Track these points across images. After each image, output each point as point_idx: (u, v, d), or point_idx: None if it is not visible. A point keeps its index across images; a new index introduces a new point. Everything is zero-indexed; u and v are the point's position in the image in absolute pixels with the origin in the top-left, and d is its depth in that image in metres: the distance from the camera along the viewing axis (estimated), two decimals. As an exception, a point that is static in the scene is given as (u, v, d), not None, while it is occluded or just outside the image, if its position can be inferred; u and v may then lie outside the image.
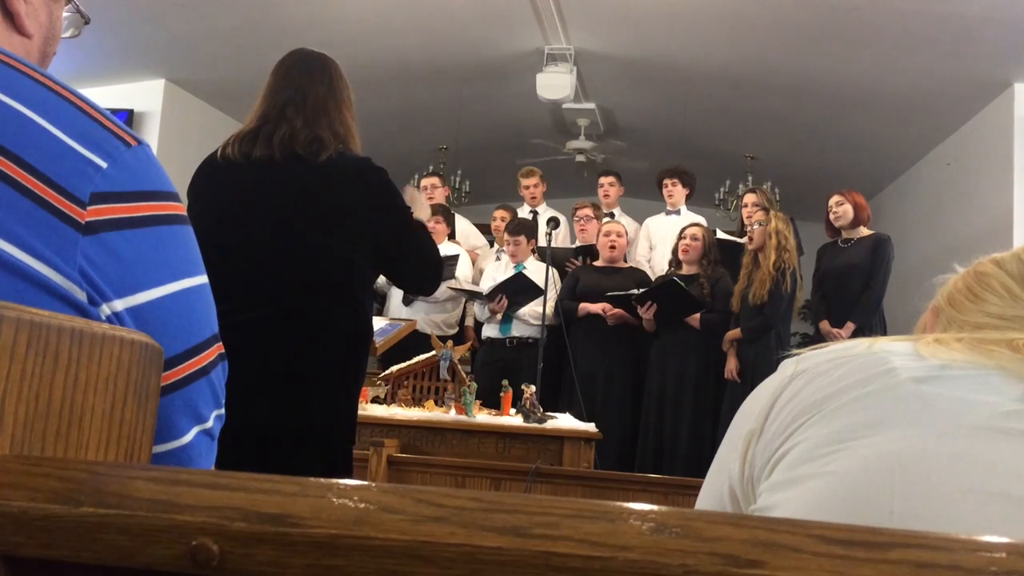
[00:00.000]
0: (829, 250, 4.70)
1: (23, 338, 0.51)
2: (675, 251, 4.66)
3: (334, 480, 0.43)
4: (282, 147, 1.80)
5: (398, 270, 1.99)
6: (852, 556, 0.37)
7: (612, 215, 5.41)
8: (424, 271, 1.99)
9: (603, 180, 5.64)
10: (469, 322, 5.16)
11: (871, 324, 4.37)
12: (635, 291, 4.45)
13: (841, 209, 4.51)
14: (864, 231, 4.57)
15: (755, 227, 4.28)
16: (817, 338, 4.58)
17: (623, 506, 0.41)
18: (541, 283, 4.40)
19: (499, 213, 5.63)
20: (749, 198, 4.95)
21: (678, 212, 5.29)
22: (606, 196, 5.57)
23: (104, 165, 0.70)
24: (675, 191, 5.32)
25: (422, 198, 2.20)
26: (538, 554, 0.39)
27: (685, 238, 4.59)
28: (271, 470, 0.46)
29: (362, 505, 0.41)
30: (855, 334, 4.28)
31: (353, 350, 1.87)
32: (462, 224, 5.75)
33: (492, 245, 5.79)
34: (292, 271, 1.79)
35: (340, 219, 1.82)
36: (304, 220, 1.80)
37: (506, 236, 4.98)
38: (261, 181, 1.81)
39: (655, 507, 0.40)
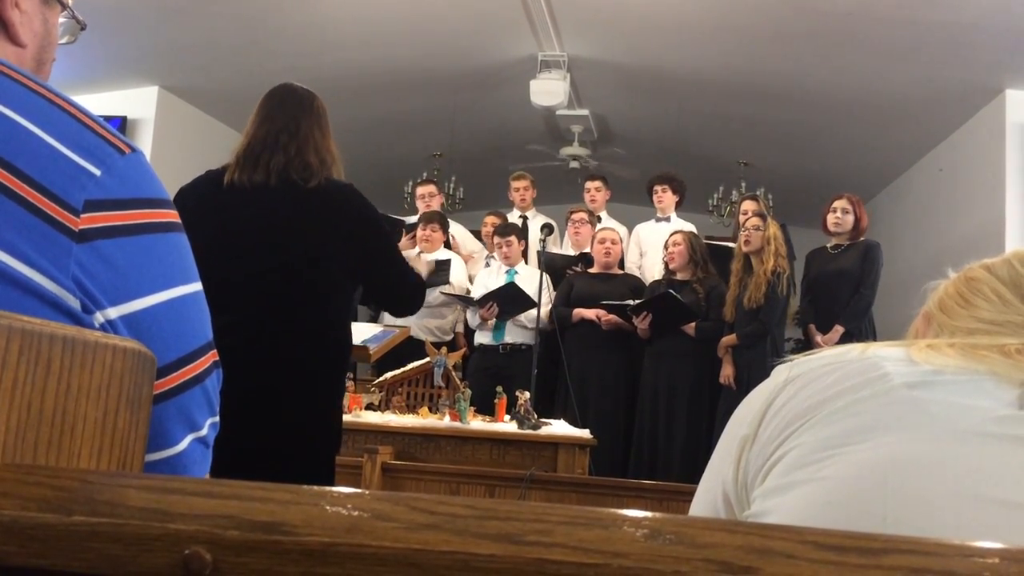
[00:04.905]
0: (819, 255, 4.69)
1: (15, 346, 0.51)
2: (665, 261, 4.68)
3: (327, 488, 0.43)
4: (277, 173, 1.97)
5: (378, 290, 2.20)
6: (846, 562, 0.37)
7: (599, 219, 5.42)
8: (401, 293, 2.17)
9: (589, 184, 5.64)
10: (460, 328, 5.15)
11: (860, 328, 4.37)
12: (630, 302, 4.46)
13: (845, 219, 4.50)
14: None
15: (753, 231, 4.28)
16: (810, 343, 4.59)
17: (617, 513, 0.40)
18: (534, 289, 4.39)
19: (490, 219, 5.62)
20: (748, 205, 4.95)
21: (668, 219, 5.30)
22: (593, 201, 5.56)
23: (98, 173, 0.70)
24: (665, 197, 5.32)
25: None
26: (532, 561, 0.39)
27: (668, 247, 4.61)
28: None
29: (355, 513, 0.41)
30: (844, 338, 4.28)
31: (333, 369, 2.02)
32: (457, 230, 5.74)
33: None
34: (278, 293, 1.93)
35: (325, 241, 1.97)
36: (291, 243, 1.95)
37: (496, 239, 4.97)
38: (256, 205, 1.96)
39: (649, 514, 0.40)
